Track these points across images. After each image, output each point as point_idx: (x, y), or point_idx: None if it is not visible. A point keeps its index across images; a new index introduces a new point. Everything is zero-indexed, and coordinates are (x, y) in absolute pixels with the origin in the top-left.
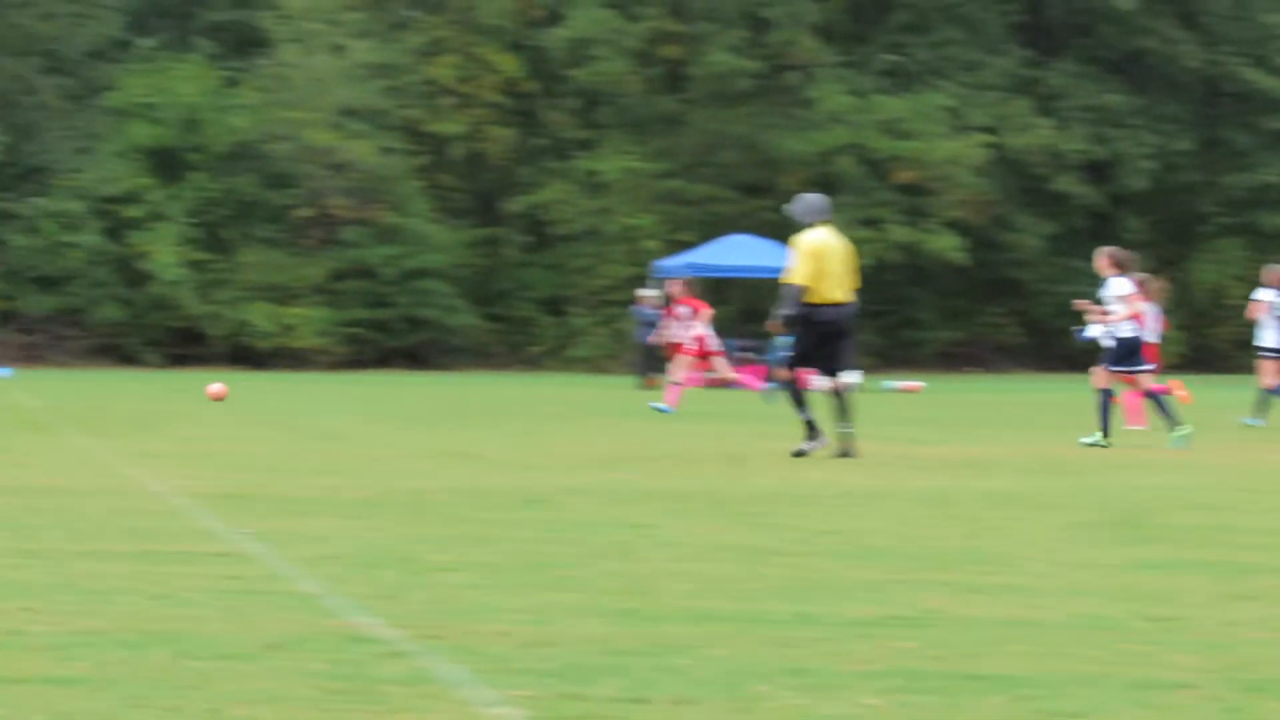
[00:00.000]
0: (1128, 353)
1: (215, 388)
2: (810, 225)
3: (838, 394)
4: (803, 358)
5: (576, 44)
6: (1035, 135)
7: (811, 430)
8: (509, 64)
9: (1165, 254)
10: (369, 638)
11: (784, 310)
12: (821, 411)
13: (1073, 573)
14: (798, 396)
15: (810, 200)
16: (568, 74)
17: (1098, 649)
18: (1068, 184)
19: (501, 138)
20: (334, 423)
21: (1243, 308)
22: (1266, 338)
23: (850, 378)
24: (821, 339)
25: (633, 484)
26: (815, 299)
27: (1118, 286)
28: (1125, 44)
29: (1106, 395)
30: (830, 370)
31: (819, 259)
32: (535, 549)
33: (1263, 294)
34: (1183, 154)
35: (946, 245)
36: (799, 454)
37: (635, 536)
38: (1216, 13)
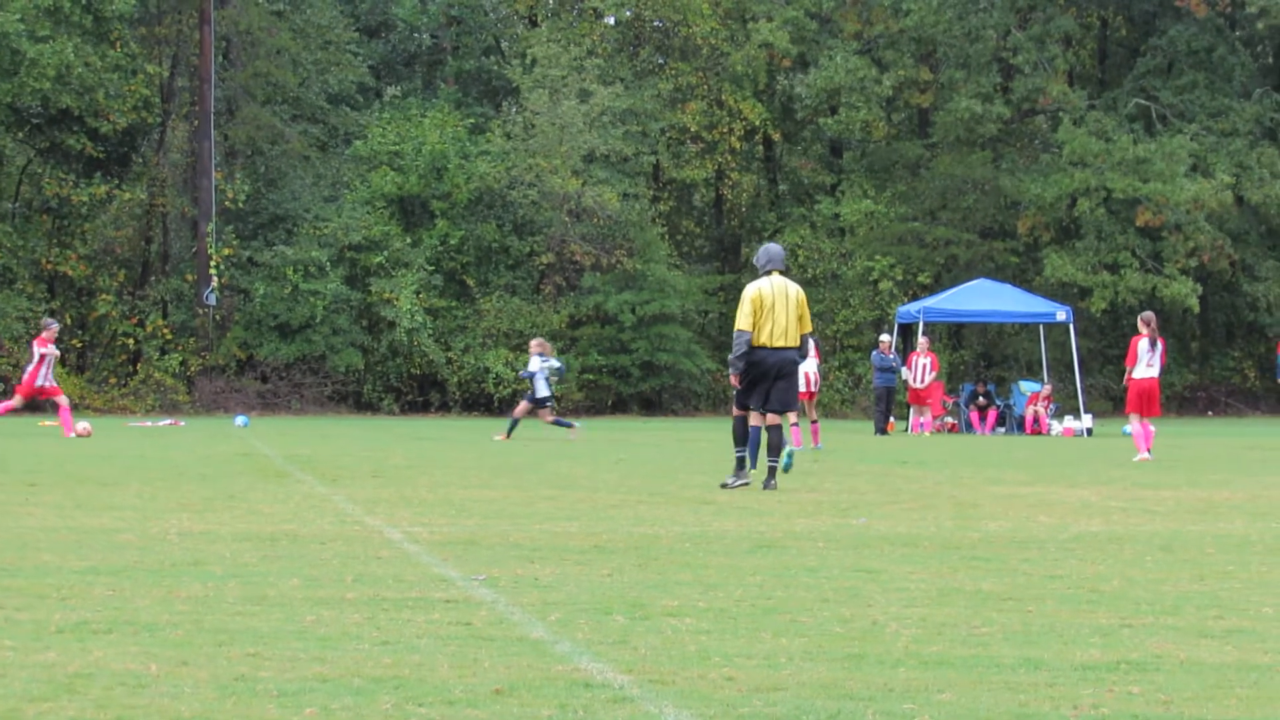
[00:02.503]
0: None
1: (81, 426)
2: (766, 272)
3: (776, 429)
4: (746, 395)
5: (828, 92)
6: (1277, 185)
7: (740, 466)
8: (755, 111)
9: None
10: (597, 683)
11: (732, 356)
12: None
13: None
14: (739, 432)
15: (765, 249)
16: (814, 121)
17: None
18: None
19: (745, 184)
20: (567, 469)
21: None
22: None
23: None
24: (758, 379)
25: (863, 529)
26: (757, 342)
27: None
28: None
29: None
30: (772, 407)
31: (758, 306)
32: (764, 594)
33: None
34: None
35: (1183, 291)
36: (724, 486)
37: (864, 581)
38: None
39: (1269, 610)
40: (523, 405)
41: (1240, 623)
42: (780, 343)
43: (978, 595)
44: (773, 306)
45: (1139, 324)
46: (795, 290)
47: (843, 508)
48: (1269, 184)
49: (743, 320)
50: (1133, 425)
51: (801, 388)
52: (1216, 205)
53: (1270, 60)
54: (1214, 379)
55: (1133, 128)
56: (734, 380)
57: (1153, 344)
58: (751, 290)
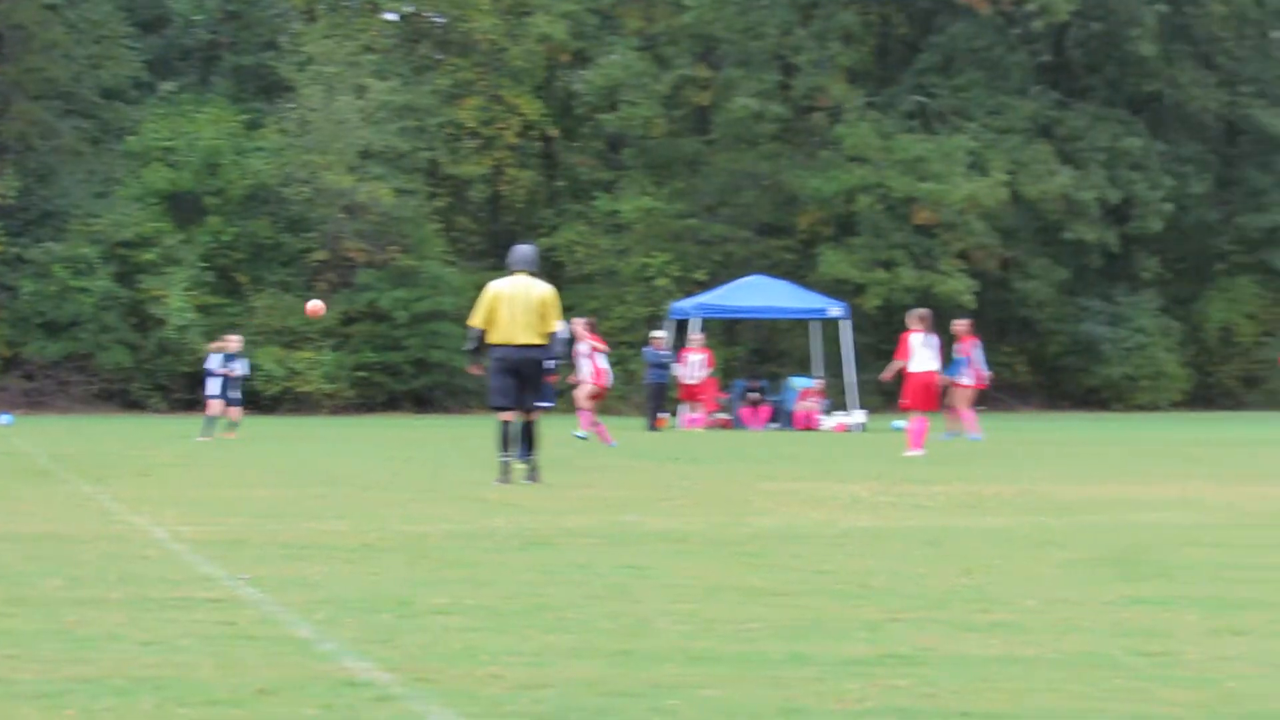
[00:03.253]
0: None
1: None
2: (512, 272)
3: (527, 425)
4: (493, 395)
5: (606, 89)
6: (1053, 182)
7: (504, 470)
8: (532, 107)
9: (1178, 293)
10: (361, 682)
11: (464, 349)
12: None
13: (1067, 609)
14: (503, 434)
15: (514, 249)
16: (593, 117)
17: (1089, 685)
18: (1082, 230)
19: (522, 180)
20: (336, 467)
21: (1252, 346)
22: None
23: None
24: (503, 376)
25: (633, 525)
26: (495, 340)
27: None
28: (1145, 86)
29: None
30: (519, 405)
31: (493, 304)
32: (533, 591)
33: None
34: (1199, 194)
35: (956, 288)
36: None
37: (633, 578)
38: (1236, 54)
39: (1033, 604)
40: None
41: (1006, 616)
42: (521, 340)
43: (746, 591)
44: (510, 305)
45: (912, 319)
46: (540, 290)
47: (614, 504)
48: (1044, 180)
49: (474, 316)
50: (911, 421)
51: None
52: (992, 203)
53: (1047, 58)
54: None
55: (911, 125)
56: (472, 370)
57: (928, 340)
58: (489, 288)
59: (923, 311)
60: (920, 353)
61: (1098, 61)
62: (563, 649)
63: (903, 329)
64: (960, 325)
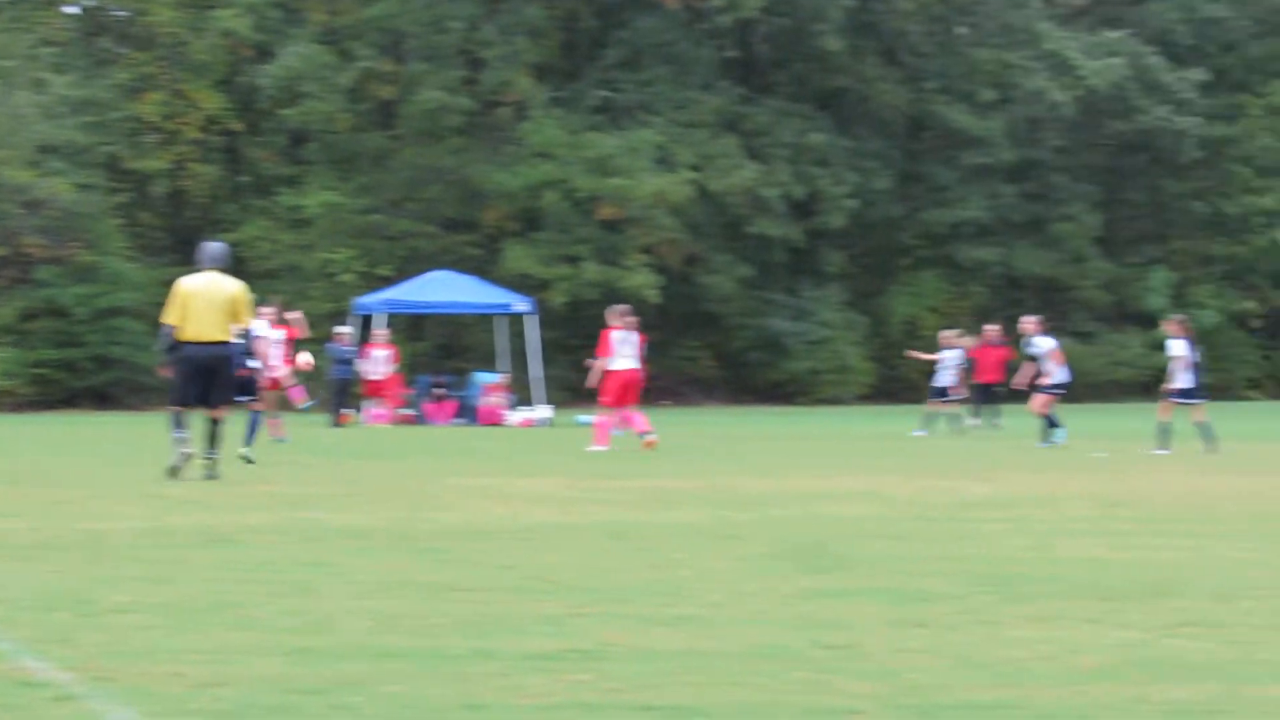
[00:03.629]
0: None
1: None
2: (201, 269)
3: (213, 423)
4: (177, 390)
5: (287, 81)
6: (738, 176)
7: (181, 457)
8: (214, 101)
9: (862, 287)
10: (38, 682)
11: (158, 348)
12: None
13: (750, 603)
14: (175, 422)
15: (204, 247)
16: (275, 112)
17: (771, 678)
18: (767, 225)
19: (204, 175)
20: (13, 465)
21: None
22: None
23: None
24: (191, 374)
25: (317, 521)
26: (184, 337)
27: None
28: (830, 81)
29: None
30: (205, 403)
31: (184, 301)
32: (215, 589)
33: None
34: (884, 189)
35: (641, 283)
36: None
37: (316, 574)
38: (920, 50)
39: (717, 597)
40: None
41: (689, 610)
42: (207, 337)
43: (430, 586)
44: (200, 302)
45: (613, 316)
46: (229, 287)
47: (296, 501)
48: (729, 176)
49: (166, 314)
50: (610, 417)
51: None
52: (679, 198)
53: (734, 53)
54: (672, 369)
55: (597, 120)
56: (163, 371)
57: (628, 337)
58: (179, 285)
59: (624, 308)
60: (621, 350)
61: (784, 57)
62: (244, 646)
63: (589, 325)
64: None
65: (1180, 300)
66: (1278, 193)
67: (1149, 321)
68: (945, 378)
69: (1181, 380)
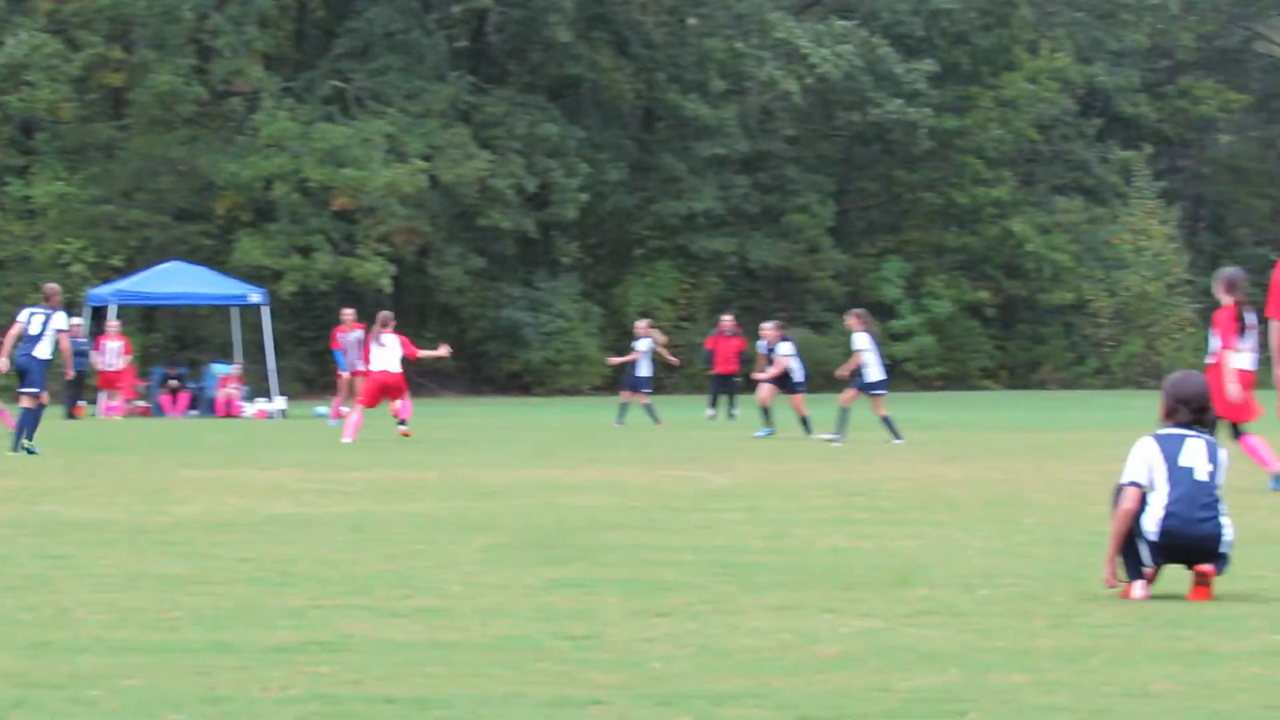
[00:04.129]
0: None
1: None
2: None
3: None
4: None
5: (11, 69)
6: (470, 166)
7: None
8: None
9: (598, 278)
10: None
11: None
12: None
13: (491, 594)
14: None
15: None
16: (1, 101)
17: (513, 669)
18: (499, 216)
19: None
20: None
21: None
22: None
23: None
24: None
25: (52, 515)
26: None
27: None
28: (563, 72)
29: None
30: None
31: None
32: None
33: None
34: (617, 180)
35: (374, 272)
36: None
37: (52, 568)
38: (653, 41)
39: (458, 588)
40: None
41: (429, 601)
42: None
43: (167, 579)
44: None
45: (378, 322)
46: None
47: (31, 494)
48: (461, 166)
49: None
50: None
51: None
52: (411, 189)
53: (465, 43)
54: (408, 360)
55: (329, 111)
56: None
57: (385, 339)
58: None
59: (384, 315)
60: (377, 353)
61: (517, 47)
62: None
63: (324, 316)
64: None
65: (914, 290)
66: (1008, 184)
67: (885, 312)
68: (645, 367)
69: (871, 374)
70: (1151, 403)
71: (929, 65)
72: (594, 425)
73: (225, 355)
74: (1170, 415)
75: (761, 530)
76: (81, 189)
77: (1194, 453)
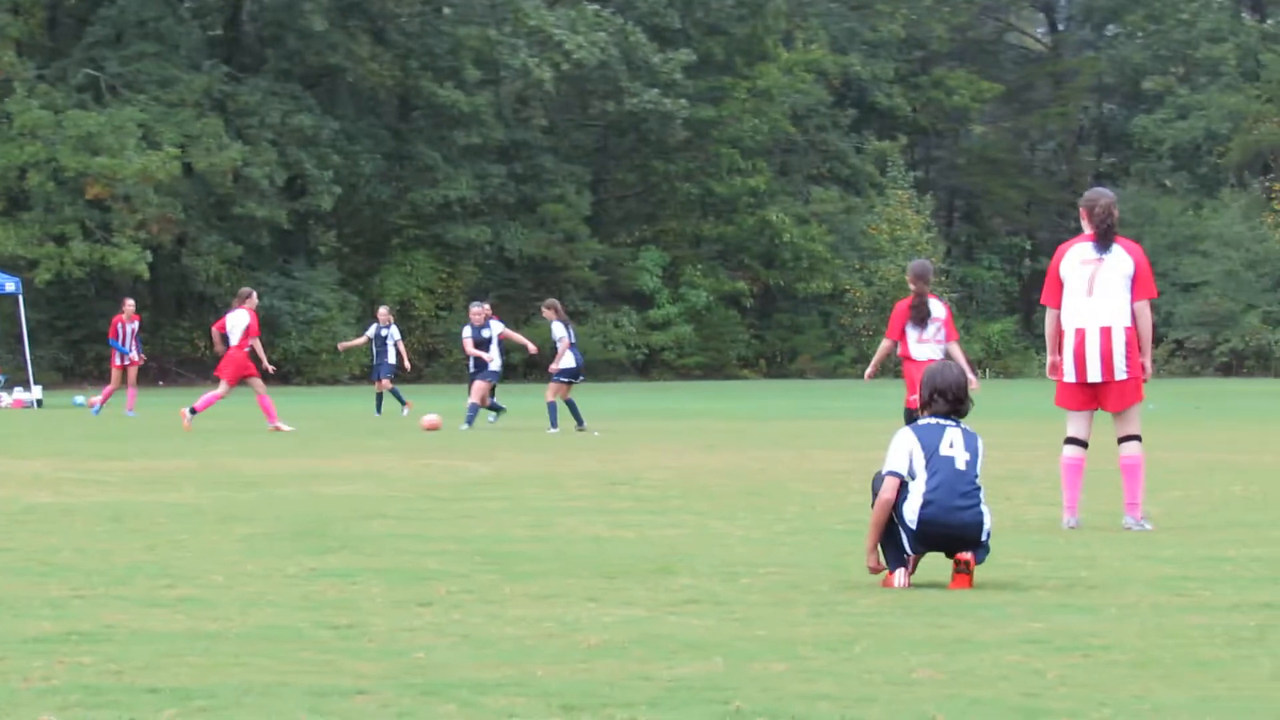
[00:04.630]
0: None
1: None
2: None
3: None
4: None
5: None
6: (224, 155)
7: None
8: None
9: (355, 267)
10: None
11: None
12: None
13: (253, 583)
14: None
15: None
16: None
17: (277, 659)
18: (254, 206)
19: None
20: None
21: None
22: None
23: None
24: None
25: None
26: None
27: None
28: (318, 60)
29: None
30: None
31: None
32: None
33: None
34: (373, 170)
35: (130, 260)
36: None
37: None
38: (408, 29)
39: (219, 578)
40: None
41: (191, 591)
42: None
43: None
44: None
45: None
46: None
47: None
48: (214, 155)
49: None
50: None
51: None
52: (165, 176)
53: (220, 32)
54: (165, 350)
55: (82, 99)
56: None
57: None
58: None
59: (245, 290)
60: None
61: (272, 35)
62: None
63: (79, 304)
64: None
65: (673, 280)
66: (765, 174)
67: (644, 301)
68: (391, 355)
69: (566, 361)
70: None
71: (686, 55)
72: (352, 415)
73: None
74: (927, 406)
75: (524, 519)
76: None
77: (953, 442)
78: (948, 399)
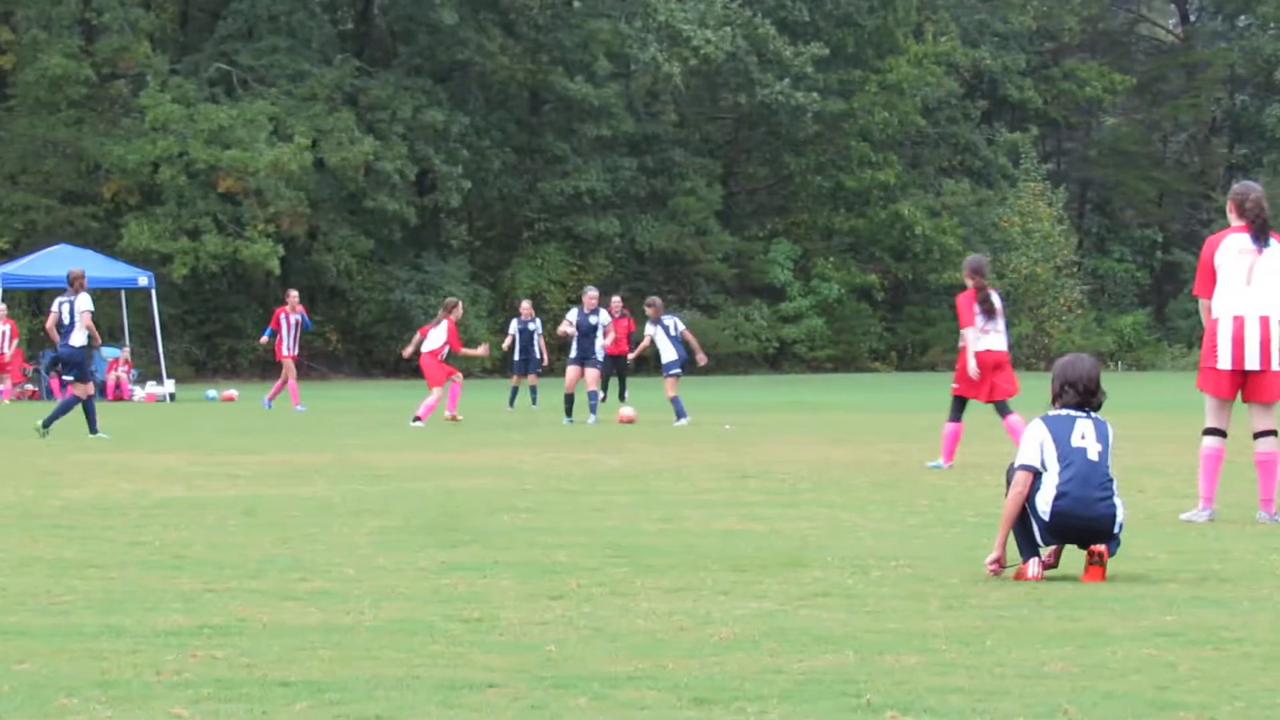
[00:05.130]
0: None
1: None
2: None
3: None
4: None
5: None
6: (355, 150)
7: None
8: None
9: (486, 260)
10: None
11: None
12: None
13: (385, 577)
14: None
15: None
16: None
17: (407, 652)
18: (385, 200)
19: None
20: None
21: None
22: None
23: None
24: None
25: None
26: None
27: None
28: (448, 55)
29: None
30: None
31: None
32: None
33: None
34: (503, 164)
35: (264, 253)
36: None
37: None
38: (538, 23)
39: (351, 572)
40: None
41: (323, 584)
42: None
43: (59, 563)
44: None
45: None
46: None
47: None
48: (347, 148)
49: None
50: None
51: None
52: (296, 168)
53: (350, 26)
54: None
55: (214, 92)
56: None
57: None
58: None
59: (450, 300)
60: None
61: (404, 30)
62: None
63: (213, 298)
64: None
65: (804, 273)
66: (895, 167)
67: (775, 294)
68: (536, 349)
69: (668, 355)
70: (1041, 384)
71: (817, 49)
72: (486, 408)
73: (114, 339)
74: (1059, 398)
75: (654, 512)
76: None
77: (1084, 433)
78: (1078, 390)
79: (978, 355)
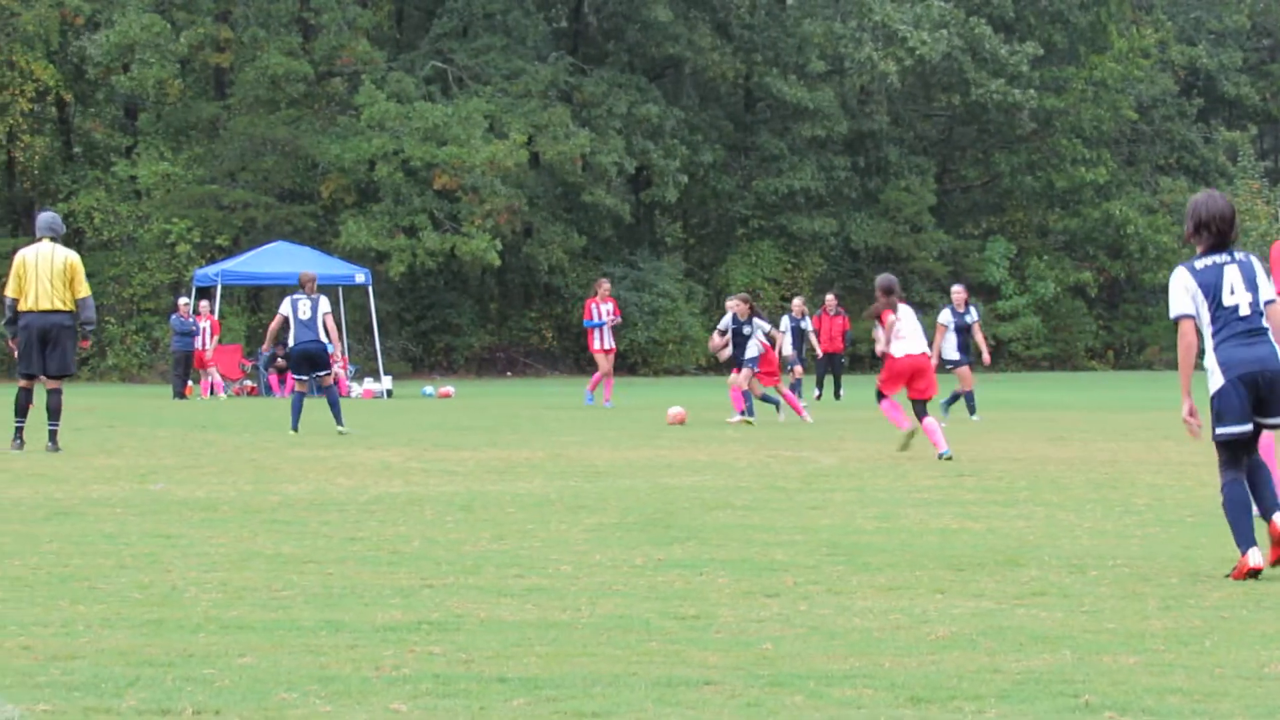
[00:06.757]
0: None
1: (675, 411)
2: (38, 239)
3: (51, 394)
4: (21, 363)
5: (119, 50)
6: (571, 143)
7: (17, 435)
8: (48, 72)
9: (701, 257)
10: None
11: (3, 323)
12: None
13: (601, 573)
14: (20, 402)
15: (39, 217)
16: (106, 81)
17: (623, 649)
18: (600, 195)
19: (36, 146)
20: None
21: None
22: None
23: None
24: (30, 343)
25: (163, 494)
26: (23, 307)
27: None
28: (662, 52)
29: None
30: (43, 371)
31: (20, 272)
32: (61, 561)
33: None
34: (716, 161)
35: (482, 248)
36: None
37: (164, 547)
38: (751, 22)
39: (567, 568)
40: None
41: (540, 581)
42: (45, 306)
43: (278, 559)
44: (35, 272)
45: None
46: (62, 256)
47: (141, 473)
48: (563, 142)
49: (8, 287)
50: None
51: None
52: (512, 164)
53: (564, 24)
54: (513, 340)
55: (430, 90)
56: (11, 345)
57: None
58: (16, 257)
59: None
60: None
61: (616, 28)
62: (93, 619)
63: (429, 295)
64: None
65: (1018, 271)
66: (1108, 165)
67: (990, 292)
68: (753, 348)
69: (750, 351)
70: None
71: (1032, 47)
72: (699, 405)
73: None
74: (1195, 237)
75: (870, 510)
76: (186, 169)
77: (1233, 286)
78: (1213, 231)
79: (900, 360)
